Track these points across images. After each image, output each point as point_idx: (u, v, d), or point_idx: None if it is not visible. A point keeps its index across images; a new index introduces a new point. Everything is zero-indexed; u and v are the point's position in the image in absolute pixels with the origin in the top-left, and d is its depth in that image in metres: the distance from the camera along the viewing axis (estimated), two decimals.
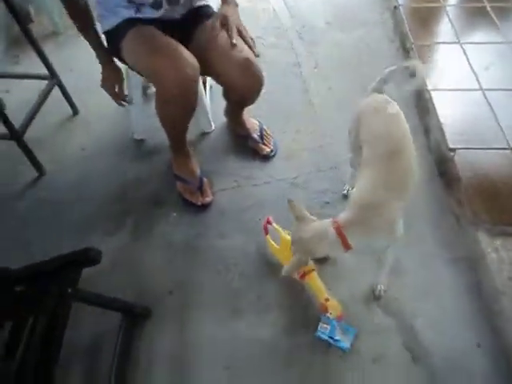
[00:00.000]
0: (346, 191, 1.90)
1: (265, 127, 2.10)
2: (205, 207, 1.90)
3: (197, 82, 1.61)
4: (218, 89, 2.02)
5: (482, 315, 1.58)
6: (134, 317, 1.58)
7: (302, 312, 1.62)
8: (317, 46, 2.58)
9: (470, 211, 1.73)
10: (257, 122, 2.10)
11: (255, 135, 2.06)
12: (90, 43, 1.65)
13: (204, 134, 2.20)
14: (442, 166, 1.95)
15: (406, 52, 2.48)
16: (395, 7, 2.71)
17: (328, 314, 1.53)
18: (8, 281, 1.24)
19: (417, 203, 1.85)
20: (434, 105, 2.09)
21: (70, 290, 1.14)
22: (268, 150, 2.05)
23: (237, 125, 2.10)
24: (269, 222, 1.74)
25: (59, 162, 2.14)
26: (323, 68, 2.45)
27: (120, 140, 2.20)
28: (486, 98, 2.10)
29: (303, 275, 1.59)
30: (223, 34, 1.64)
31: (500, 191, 1.78)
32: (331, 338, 1.51)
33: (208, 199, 1.91)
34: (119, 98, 1.76)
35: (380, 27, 2.69)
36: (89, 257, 1.15)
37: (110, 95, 1.75)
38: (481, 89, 2.15)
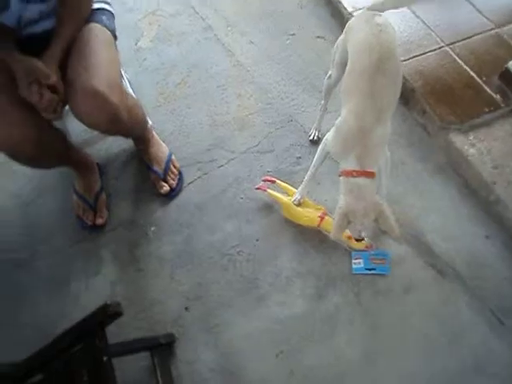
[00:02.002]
0: (312, 136, 1.85)
1: (173, 158, 1.82)
2: (97, 228, 1.72)
3: (31, 144, 1.31)
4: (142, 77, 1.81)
5: (481, 210, 1.65)
6: (163, 349, 1.44)
7: (323, 268, 1.59)
8: (221, 3, 2.40)
9: (435, 117, 1.76)
10: (165, 151, 1.82)
11: (157, 168, 1.77)
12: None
13: None
14: None
15: None
16: None
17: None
18: (17, 377, 1.05)
19: None
20: None
21: (105, 359, 0.98)
22: (166, 188, 1.75)
23: (140, 150, 1.85)
24: (271, 181, 1.70)
25: None
26: (236, 24, 2.30)
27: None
28: (409, 7, 2.09)
29: (320, 222, 1.57)
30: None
31: (453, 86, 1.82)
32: (368, 269, 1.53)
33: (101, 220, 1.71)
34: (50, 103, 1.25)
35: None
36: (110, 313, 0.99)
37: (37, 103, 1.25)
38: None
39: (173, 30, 2.32)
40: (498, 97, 1.76)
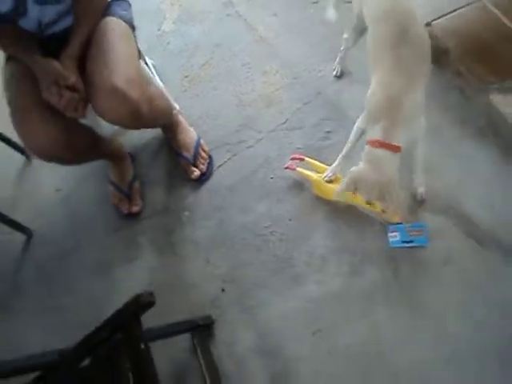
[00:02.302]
0: (336, 71, 1.86)
1: (202, 142, 1.82)
2: (133, 216, 1.76)
3: (61, 148, 1.36)
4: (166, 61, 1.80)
5: None
6: (202, 330, 1.48)
7: (358, 245, 1.55)
8: None
9: (472, 78, 1.65)
10: (193, 137, 1.81)
11: (186, 154, 1.78)
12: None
13: None
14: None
15: None
16: None
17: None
18: (68, 364, 1.11)
19: None
20: None
21: (142, 346, 1.02)
22: (197, 173, 1.75)
23: (168, 138, 1.86)
24: (299, 159, 1.67)
25: (39, 214, 1.93)
26: None
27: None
28: None
29: (354, 196, 1.49)
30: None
31: (492, 43, 1.68)
32: (405, 241, 1.48)
33: (136, 208, 1.75)
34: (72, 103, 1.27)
35: None
36: (143, 303, 1.02)
37: (56, 104, 1.27)
38: None
39: (194, 8, 2.28)
40: None
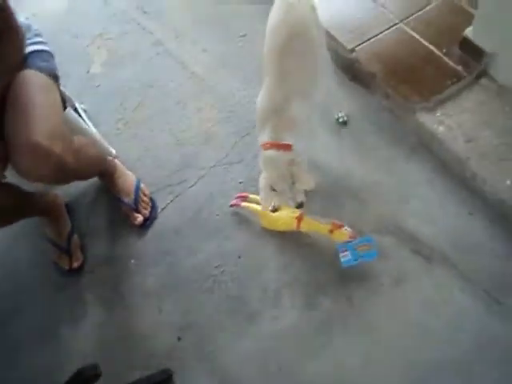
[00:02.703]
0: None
1: (142, 186, 1.77)
2: (75, 271, 1.68)
3: None
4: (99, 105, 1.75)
5: (459, 187, 1.61)
6: None
7: (311, 275, 1.55)
8: (166, 12, 2.32)
9: (399, 99, 1.71)
10: (133, 181, 1.75)
11: (127, 200, 1.72)
12: None
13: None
14: (350, 69, 1.89)
15: None
16: None
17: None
18: None
19: (349, 118, 1.81)
20: None
21: None
22: (140, 219, 1.69)
23: (106, 184, 1.79)
24: (243, 197, 1.67)
25: None
26: (186, 33, 2.22)
27: None
28: None
29: (298, 224, 1.54)
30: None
31: (413, 64, 1.75)
32: (356, 259, 1.47)
33: (77, 263, 1.67)
34: None
35: None
36: (87, 378, 0.95)
37: None
38: None
39: (122, 50, 2.24)
40: (459, 67, 1.71)
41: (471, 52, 1.68)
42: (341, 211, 1.61)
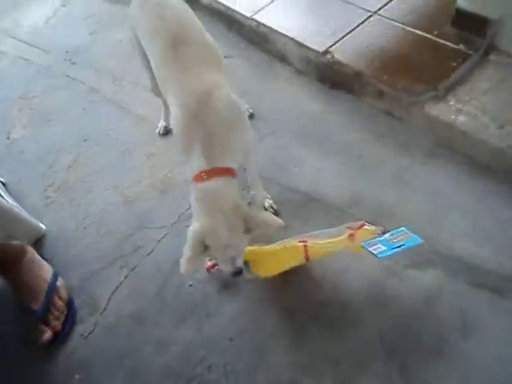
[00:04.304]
0: (159, 129, 1.61)
1: (59, 284, 1.27)
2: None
3: None
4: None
5: (505, 185, 1.20)
6: None
7: (336, 347, 1.05)
8: (100, 59, 1.97)
9: (398, 93, 1.35)
10: (46, 277, 1.26)
11: (33, 305, 1.21)
12: None
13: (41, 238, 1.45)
14: (328, 74, 1.53)
15: None
16: None
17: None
18: None
19: (341, 134, 1.42)
20: (266, 29, 1.66)
21: None
22: (48, 334, 1.18)
23: (7, 281, 1.28)
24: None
25: None
26: (124, 76, 1.86)
27: None
28: None
29: (306, 250, 1.08)
30: None
31: (404, 54, 1.44)
32: (393, 248, 0.99)
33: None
34: None
35: None
36: None
37: None
38: None
39: (49, 107, 1.85)
40: (460, 46, 1.38)
41: (470, 25, 1.37)
42: None
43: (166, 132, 1.60)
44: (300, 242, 1.09)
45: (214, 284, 1.22)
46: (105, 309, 1.25)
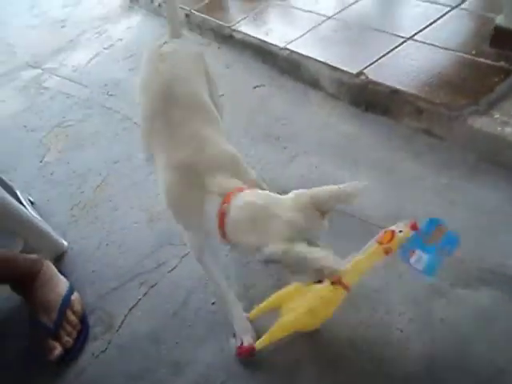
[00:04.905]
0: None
1: (74, 297, 1.20)
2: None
3: None
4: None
5: None
6: None
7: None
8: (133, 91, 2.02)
9: (440, 108, 1.28)
10: (61, 290, 1.20)
11: (45, 319, 1.14)
12: None
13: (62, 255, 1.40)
14: (362, 96, 1.49)
15: None
16: None
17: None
18: None
19: (376, 153, 1.36)
20: (299, 57, 1.68)
21: None
22: (58, 351, 1.10)
23: (23, 295, 1.23)
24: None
25: None
26: None
27: None
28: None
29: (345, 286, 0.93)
30: None
31: (442, 73, 1.38)
32: (435, 255, 0.87)
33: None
34: None
35: None
36: None
37: None
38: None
39: (84, 133, 1.89)
40: (502, 63, 1.33)
41: (510, 42, 1.32)
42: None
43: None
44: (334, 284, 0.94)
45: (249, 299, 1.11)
46: (120, 327, 1.16)
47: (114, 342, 1.13)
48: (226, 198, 0.82)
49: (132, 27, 2.60)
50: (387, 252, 0.93)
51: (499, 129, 1.17)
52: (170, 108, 0.95)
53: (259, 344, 0.98)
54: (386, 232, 0.95)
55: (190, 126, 0.94)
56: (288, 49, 1.71)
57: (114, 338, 1.14)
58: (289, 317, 0.96)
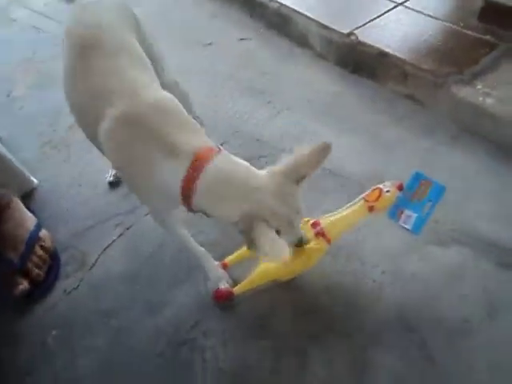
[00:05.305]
0: (108, 177, 1.32)
1: (42, 234, 1.17)
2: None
3: None
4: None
5: None
6: None
7: (353, 319, 0.94)
8: None
9: (425, 74, 1.31)
10: (28, 226, 1.16)
11: (12, 255, 1.09)
12: None
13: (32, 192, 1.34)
14: (351, 57, 1.49)
15: None
16: None
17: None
18: None
19: (359, 114, 1.37)
20: (288, 10, 1.64)
21: None
22: (23, 286, 1.07)
23: None
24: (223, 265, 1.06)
25: None
26: None
27: None
28: None
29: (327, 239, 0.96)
30: None
31: (430, 41, 1.41)
32: (422, 212, 0.93)
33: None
34: None
35: None
36: None
37: None
38: None
39: (56, 71, 1.76)
40: (488, 37, 1.36)
41: (498, 17, 1.35)
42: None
43: (118, 180, 1.31)
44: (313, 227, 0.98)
45: (218, 247, 1.11)
46: (93, 265, 1.14)
47: (87, 280, 1.12)
48: (195, 162, 0.75)
49: None
50: (371, 209, 0.95)
51: (481, 99, 1.21)
52: (95, 57, 0.86)
53: (238, 289, 0.99)
54: (373, 190, 0.98)
55: (118, 73, 0.84)
56: (278, 1, 1.67)
57: (86, 276, 1.13)
58: (269, 264, 0.97)
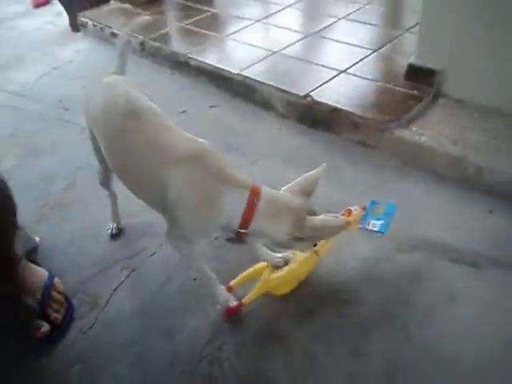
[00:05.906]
0: (110, 230, 1.45)
1: (55, 282, 1.25)
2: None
3: None
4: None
5: (468, 188, 1.45)
6: None
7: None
8: None
9: (372, 123, 1.61)
10: (41, 276, 1.24)
11: (30, 301, 1.18)
12: None
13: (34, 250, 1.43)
14: (309, 114, 1.79)
15: None
16: None
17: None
18: None
19: (320, 161, 1.65)
20: (252, 82, 1.95)
21: None
22: (45, 328, 1.15)
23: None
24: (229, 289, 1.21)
25: None
26: None
27: None
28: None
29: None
30: None
31: (370, 98, 1.75)
32: (383, 219, 1.32)
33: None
34: None
35: None
36: None
37: None
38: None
39: (41, 143, 1.93)
40: (415, 92, 1.71)
41: (420, 77, 1.71)
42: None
43: (119, 231, 1.45)
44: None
45: (219, 274, 1.26)
46: (105, 305, 1.25)
47: (101, 319, 1.21)
48: (253, 191, 0.98)
49: (80, 50, 2.70)
50: (348, 223, 1.17)
51: (417, 138, 1.52)
52: (142, 123, 1.06)
53: (247, 299, 1.15)
54: (345, 210, 1.23)
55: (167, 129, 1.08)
56: (242, 74, 1.97)
57: (100, 314, 1.22)
58: (273, 275, 1.15)
